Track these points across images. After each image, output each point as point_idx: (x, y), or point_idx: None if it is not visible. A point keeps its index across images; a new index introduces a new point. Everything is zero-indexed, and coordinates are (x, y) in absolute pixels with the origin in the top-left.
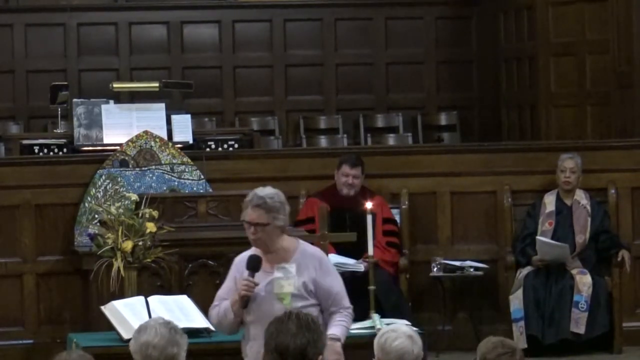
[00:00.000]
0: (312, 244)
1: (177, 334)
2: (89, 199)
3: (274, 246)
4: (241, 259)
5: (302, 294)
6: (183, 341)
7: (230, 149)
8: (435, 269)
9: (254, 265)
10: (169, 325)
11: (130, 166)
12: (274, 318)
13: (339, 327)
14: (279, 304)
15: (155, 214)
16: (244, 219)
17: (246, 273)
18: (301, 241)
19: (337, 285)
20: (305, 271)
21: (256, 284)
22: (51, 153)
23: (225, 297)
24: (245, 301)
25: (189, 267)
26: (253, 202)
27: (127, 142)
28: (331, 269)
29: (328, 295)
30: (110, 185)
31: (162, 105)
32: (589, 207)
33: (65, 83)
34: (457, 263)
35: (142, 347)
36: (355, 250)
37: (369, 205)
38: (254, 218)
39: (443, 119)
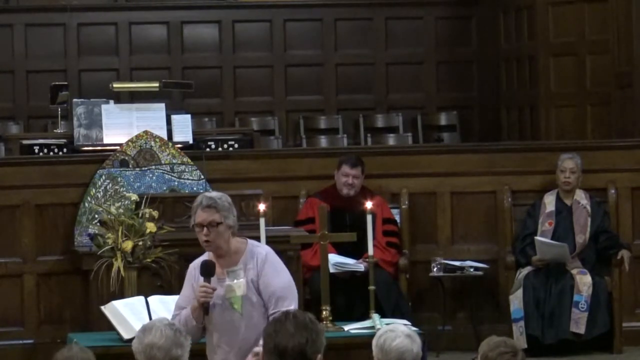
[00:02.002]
0: (312, 244)
1: (182, 335)
2: (89, 199)
3: (225, 248)
4: (195, 265)
5: (252, 296)
6: (187, 343)
7: (230, 149)
8: (435, 269)
9: (207, 270)
10: (173, 327)
11: (130, 166)
12: (273, 318)
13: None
14: (230, 309)
15: (155, 214)
16: (195, 222)
17: (202, 279)
18: (250, 241)
19: (279, 285)
20: (250, 271)
21: (213, 289)
22: (51, 153)
23: (183, 306)
24: (206, 308)
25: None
26: (203, 204)
27: (127, 142)
28: (276, 268)
29: (267, 296)
30: (110, 185)
31: (162, 105)
32: (589, 207)
33: (65, 83)
34: (457, 263)
35: (147, 348)
36: (355, 250)
37: (369, 205)
38: (205, 218)
39: (443, 119)
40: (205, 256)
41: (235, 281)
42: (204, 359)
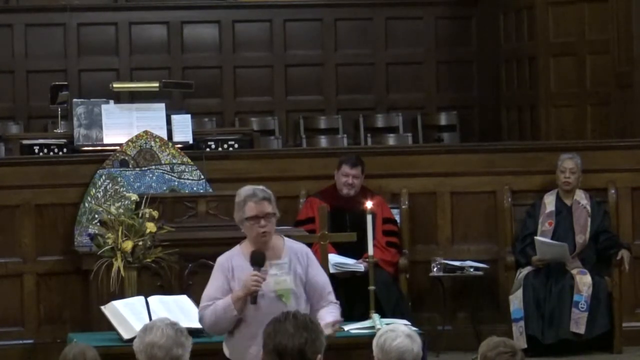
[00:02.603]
0: (311, 244)
1: (183, 335)
2: (89, 199)
3: (271, 241)
4: (227, 258)
5: (297, 290)
6: (188, 343)
7: (230, 149)
8: (435, 269)
9: (259, 260)
10: (175, 327)
11: (130, 166)
12: (272, 319)
13: (333, 314)
14: (278, 301)
15: (155, 214)
16: (248, 215)
17: (241, 270)
18: (286, 238)
19: (325, 281)
20: (297, 266)
21: (263, 279)
22: (51, 153)
23: (217, 296)
24: (254, 297)
25: (189, 267)
26: (258, 196)
27: (127, 142)
28: (318, 264)
29: (315, 290)
30: (110, 185)
31: (162, 105)
32: (589, 207)
33: (65, 83)
34: (457, 263)
35: (147, 347)
36: (355, 250)
37: (369, 205)
38: (262, 210)
39: (443, 119)
40: (237, 251)
41: (282, 274)
42: (204, 359)
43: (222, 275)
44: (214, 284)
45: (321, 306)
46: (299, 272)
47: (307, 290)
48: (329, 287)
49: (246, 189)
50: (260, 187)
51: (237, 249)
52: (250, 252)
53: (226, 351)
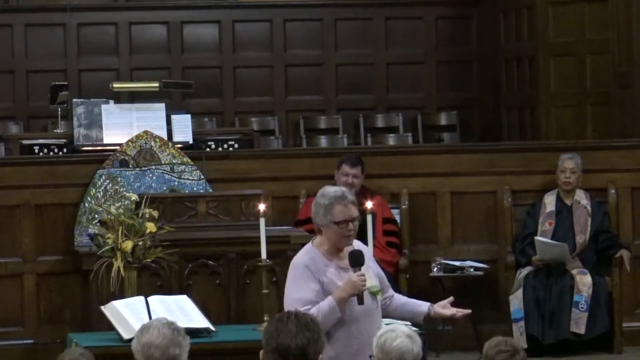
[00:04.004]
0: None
1: (180, 335)
2: (89, 199)
3: None
4: (310, 260)
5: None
6: (185, 342)
7: (230, 149)
8: (435, 269)
9: (359, 260)
10: (172, 326)
11: (130, 166)
12: (273, 318)
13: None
14: (371, 299)
15: (155, 214)
16: (341, 219)
17: (332, 270)
18: None
19: (383, 273)
20: (370, 262)
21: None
22: (51, 153)
23: (314, 300)
24: (361, 297)
25: (189, 267)
26: (347, 200)
27: (127, 142)
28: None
29: (382, 283)
30: (110, 185)
31: (162, 105)
32: (589, 207)
33: (65, 83)
34: (457, 263)
35: (145, 347)
36: None
37: (369, 205)
38: (352, 214)
39: (443, 119)
40: (311, 252)
41: (368, 273)
42: (234, 358)
43: (313, 278)
44: (307, 287)
45: (388, 297)
46: (372, 267)
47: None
48: (386, 279)
49: (333, 190)
50: (343, 188)
51: (312, 250)
52: (349, 253)
53: None
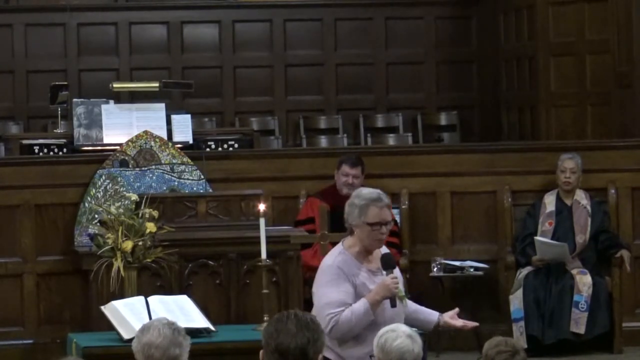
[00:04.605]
0: (312, 244)
1: (180, 335)
2: (89, 199)
3: None
4: (342, 262)
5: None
6: (186, 342)
7: (230, 149)
8: (435, 269)
9: (391, 263)
10: (172, 326)
11: (130, 166)
12: (273, 318)
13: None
14: (398, 304)
15: (155, 214)
16: (374, 220)
17: (360, 273)
18: None
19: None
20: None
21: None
22: (51, 153)
23: (347, 302)
24: (393, 299)
25: (189, 267)
26: (383, 202)
27: (127, 142)
28: None
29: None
30: (110, 185)
31: (162, 105)
32: (589, 207)
33: (65, 83)
34: (457, 263)
35: (145, 347)
36: None
37: None
38: (385, 218)
39: (443, 119)
40: (343, 255)
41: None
42: (234, 358)
43: (346, 280)
44: (339, 289)
45: None
46: (397, 272)
47: None
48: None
49: (370, 192)
50: (378, 190)
51: (344, 252)
52: (381, 256)
53: (333, 356)
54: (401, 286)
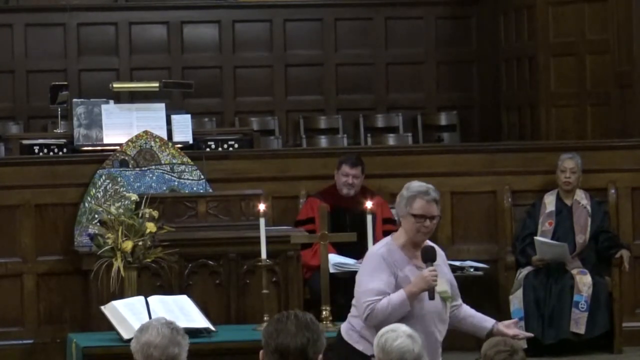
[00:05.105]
0: (312, 244)
1: (179, 334)
2: (89, 199)
3: None
4: (387, 252)
5: (449, 289)
6: (185, 342)
7: (230, 149)
8: None
9: (432, 256)
10: (171, 326)
11: (130, 166)
12: (273, 318)
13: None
14: (439, 302)
15: (155, 214)
16: (417, 212)
17: (401, 265)
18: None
19: (454, 279)
20: (443, 267)
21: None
22: (51, 153)
23: (386, 291)
24: (432, 292)
25: (189, 267)
26: (430, 196)
27: (127, 142)
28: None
29: (453, 289)
30: (110, 185)
31: (162, 105)
32: (589, 207)
33: (65, 83)
34: (457, 263)
35: (144, 347)
36: (355, 250)
37: (369, 205)
38: (430, 211)
39: (443, 119)
40: (389, 245)
41: (441, 275)
42: (234, 358)
43: (388, 270)
44: (380, 277)
45: (456, 305)
46: (445, 272)
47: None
48: (457, 287)
49: (419, 184)
50: (431, 185)
51: (391, 243)
52: (422, 248)
53: (364, 346)
54: (447, 287)
